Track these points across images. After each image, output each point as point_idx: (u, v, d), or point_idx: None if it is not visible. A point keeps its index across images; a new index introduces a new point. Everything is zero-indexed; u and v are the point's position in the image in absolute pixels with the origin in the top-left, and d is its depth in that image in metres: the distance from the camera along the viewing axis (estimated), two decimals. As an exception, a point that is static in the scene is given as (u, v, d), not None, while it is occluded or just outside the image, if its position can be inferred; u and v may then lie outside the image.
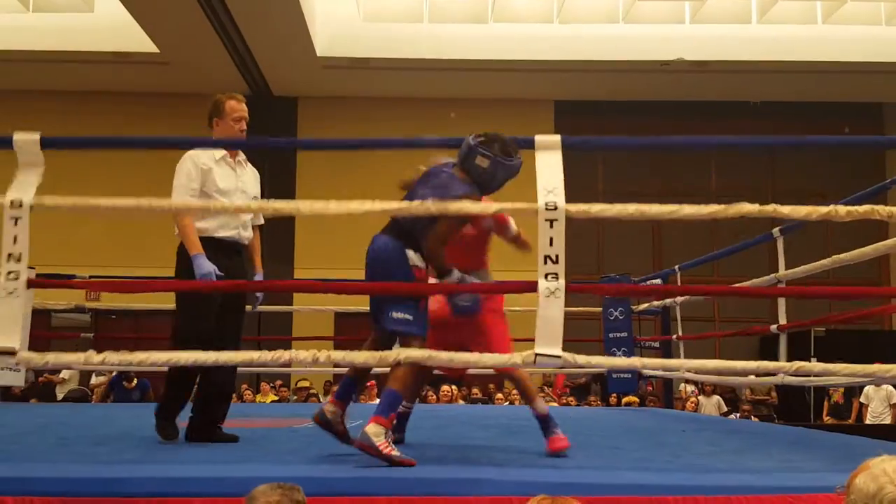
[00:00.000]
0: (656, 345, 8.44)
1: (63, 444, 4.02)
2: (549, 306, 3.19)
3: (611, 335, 7.96)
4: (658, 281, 8.22)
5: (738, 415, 11.05)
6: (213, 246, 4.04)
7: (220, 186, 4.09)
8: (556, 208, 3.25)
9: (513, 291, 3.61)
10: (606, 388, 11.04)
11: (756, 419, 10.46)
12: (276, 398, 11.04)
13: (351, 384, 3.72)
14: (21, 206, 3.29)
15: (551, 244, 3.23)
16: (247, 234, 4.25)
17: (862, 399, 10.56)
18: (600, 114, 14.52)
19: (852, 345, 11.90)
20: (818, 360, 6.48)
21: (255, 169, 4.39)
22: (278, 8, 11.35)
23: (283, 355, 3.25)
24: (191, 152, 4.13)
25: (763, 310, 14.34)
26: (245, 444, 4.06)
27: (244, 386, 11.53)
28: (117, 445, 4.00)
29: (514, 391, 11.10)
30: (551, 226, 3.24)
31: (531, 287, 3.22)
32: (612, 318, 8.05)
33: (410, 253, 3.51)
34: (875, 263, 14.33)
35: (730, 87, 14.43)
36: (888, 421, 9.99)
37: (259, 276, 4.36)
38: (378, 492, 2.85)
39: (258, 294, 4.46)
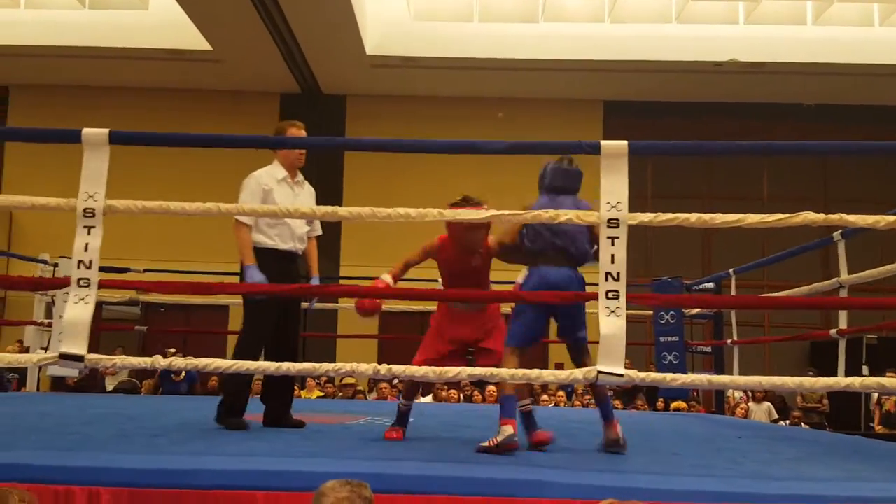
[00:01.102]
0: (708, 349, 8.33)
1: (123, 435, 4.07)
2: (611, 324, 3.17)
3: (661, 339, 7.88)
4: (711, 285, 8.11)
5: (788, 422, 10.90)
6: (273, 256, 4.51)
7: (279, 203, 4.42)
8: (618, 225, 3.20)
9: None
10: (655, 392, 10.95)
11: (807, 427, 10.30)
12: (322, 394, 11.09)
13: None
14: (94, 214, 3.32)
15: (613, 261, 3.19)
16: (301, 246, 4.70)
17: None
18: (650, 115, 14.39)
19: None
20: (870, 368, 6.42)
21: (311, 187, 4.83)
22: (329, 6, 11.41)
23: (343, 367, 3.30)
24: (255, 173, 4.56)
25: (814, 314, 14.15)
26: (303, 440, 4.09)
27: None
28: (177, 437, 4.05)
29: (561, 392, 11.05)
30: (613, 243, 3.20)
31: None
32: (662, 322, 7.97)
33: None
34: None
35: (783, 88, 14.21)
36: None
37: (315, 281, 4.86)
38: (440, 490, 2.86)
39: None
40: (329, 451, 3.67)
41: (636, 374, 3.27)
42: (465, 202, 3.97)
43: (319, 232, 4.86)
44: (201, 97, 14.60)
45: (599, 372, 3.20)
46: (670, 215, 3.37)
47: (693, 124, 14.00)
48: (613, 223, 3.20)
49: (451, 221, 3.96)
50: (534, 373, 3.38)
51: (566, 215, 3.30)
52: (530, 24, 13.43)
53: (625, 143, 3.30)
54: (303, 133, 4.63)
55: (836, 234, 5.55)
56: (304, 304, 5.06)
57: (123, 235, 13.23)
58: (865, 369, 6.36)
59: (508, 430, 3.65)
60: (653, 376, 3.47)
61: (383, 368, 3.27)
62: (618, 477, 3.18)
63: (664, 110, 14.60)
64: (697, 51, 13.38)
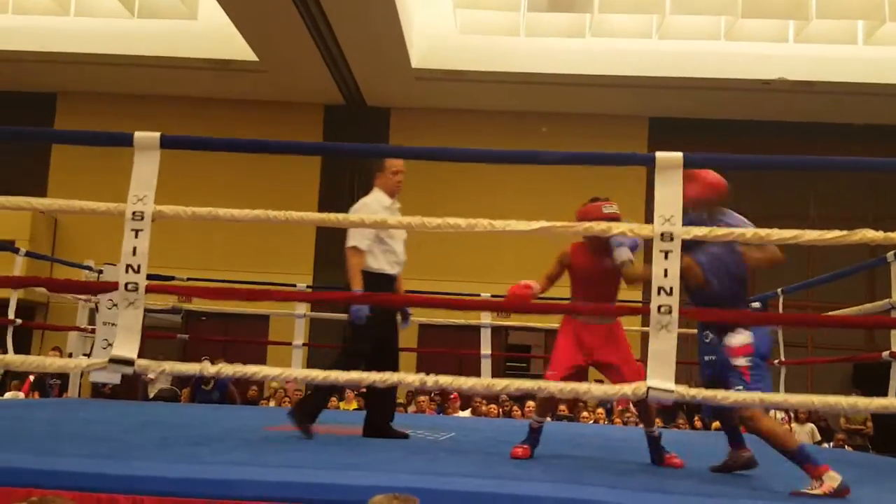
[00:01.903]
0: (752, 370, 8.15)
1: (166, 444, 4.06)
2: (662, 340, 3.13)
3: (706, 358, 7.73)
4: (758, 304, 7.96)
5: (832, 444, 10.67)
6: (383, 280, 4.75)
7: (389, 231, 4.73)
8: (672, 239, 3.15)
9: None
10: (696, 411, 10.79)
11: (850, 448, 10.08)
12: (357, 406, 11.05)
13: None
14: (143, 217, 3.31)
15: (666, 275, 3.14)
16: (401, 270, 4.96)
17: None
18: (695, 132, 14.22)
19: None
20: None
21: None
22: (376, 19, 11.44)
23: (391, 377, 3.27)
24: (367, 200, 4.83)
25: (857, 336, 13.87)
26: (347, 451, 4.05)
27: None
28: (218, 446, 4.03)
29: (601, 409, 10.92)
30: (666, 257, 3.15)
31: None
32: (707, 341, 7.82)
33: None
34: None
35: (832, 108, 13.98)
36: None
37: None
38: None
39: (409, 311, 5.18)
40: (373, 464, 3.62)
41: (687, 391, 3.20)
42: (594, 201, 4.17)
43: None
44: (246, 107, 14.68)
45: (649, 388, 3.14)
46: (726, 230, 3.32)
47: (739, 142, 13.79)
48: (667, 237, 3.14)
49: (584, 214, 4.12)
50: (582, 387, 3.33)
51: (619, 228, 3.24)
52: (577, 38, 13.35)
53: (680, 154, 3.23)
54: (401, 163, 4.89)
55: (890, 255, 5.42)
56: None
57: (165, 244, 13.43)
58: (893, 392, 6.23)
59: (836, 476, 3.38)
60: (704, 393, 3.37)
61: (429, 379, 3.21)
62: (674, 498, 3.11)
63: (710, 128, 14.43)
64: (745, 69, 13.21)
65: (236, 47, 12.89)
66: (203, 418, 5.93)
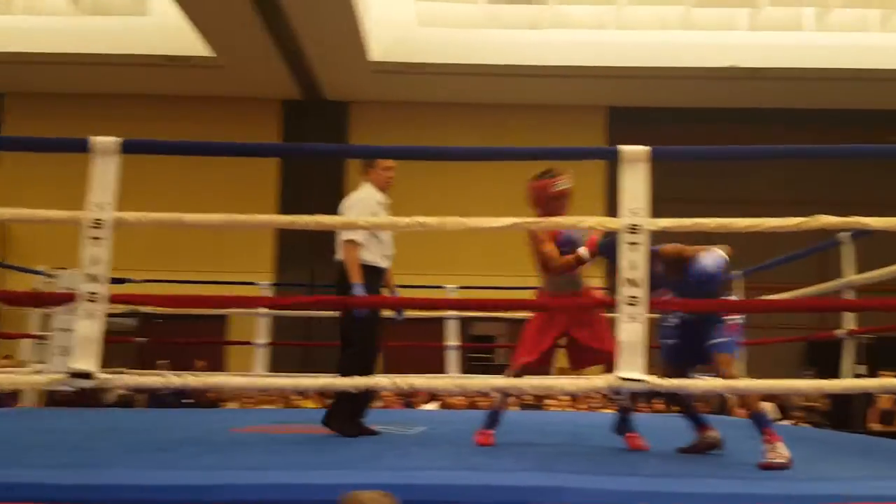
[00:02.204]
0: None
1: (133, 451, 3.99)
2: (631, 330, 3.16)
3: (669, 341, 7.82)
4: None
5: (790, 421, 10.83)
6: (374, 273, 4.76)
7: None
8: (639, 231, 3.18)
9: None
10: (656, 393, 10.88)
11: (808, 425, 10.25)
12: (316, 405, 10.87)
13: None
14: (101, 225, 3.24)
15: (633, 267, 3.17)
16: (390, 264, 4.97)
17: (915, 407, 10.33)
18: (653, 121, 14.34)
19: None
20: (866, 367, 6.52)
21: None
22: (334, 12, 11.35)
23: (366, 381, 3.23)
24: (361, 194, 4.86)
25: (812, 315, 14.20)
26: (317, 451, 4.03)
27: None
28: (187, 451, 3.96)
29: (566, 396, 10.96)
30: (633, 248, 3.18)
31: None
32: (665, 325, 7.92)
33: None
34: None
35: (783, 94, 14.21)
36: (946, 429, 9.75)
37: (397, 292, 5.14)
38: (465, 499, 2.83)
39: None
40: (347, 462, 3.60)
41: (656, 381, 3.25)
42: (546, 174, 4.22)
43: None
44: (202, 104, 14.49)
45: (621, 378, 3.16)
46: (691, 220, 3.37)
47: (694, 130, 13.93)
48: (635, 229, 3.17)
49: (534, 189, 4.20)
50: (556, 382, 3.35)
51: (588, 223, 3.26)
52: (536, 30, 13.39)
53: (646, 148, 3.28)
54: (392, 163, 4.90)
55: (844, 236, 5.55)
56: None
57: (116, 242, 13.13)
58: (863, 369, 6.46)
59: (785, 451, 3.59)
60: (674, 382, 3.50)
61: (403, 382, 3.21)
62: (641, 481, 3.15)
63: (667, 116, 14.55)
64: (699, 57, 13.36)
65: (190, 43, 12.72)
66: (165, 423, 5.85)
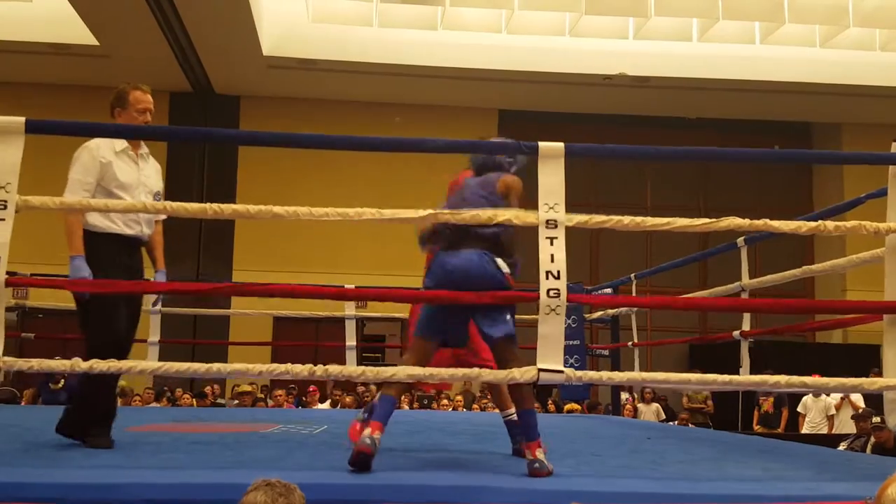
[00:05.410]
0: (606, 353, 8.50)
1: (29, 449, 3.82)
2: (551, 323, 3.20)
3: (565, 343, 7.99)
4: (609, 290, 8.28)
5: (676, 422, 11.22)
6: (117, 242, 3.86)
7: (120, 181, 3.86)
8: (556, 226, 3.24)
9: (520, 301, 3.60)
10: (546, 395, 11.17)
11: (693, 426, 10.63)
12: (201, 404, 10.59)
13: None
14: (5, 207, 3.11)
15: (552, 260, 3.23)
16: (149, 231, 4.03)
17: (800, 409, 10.83)
18: (544, 124, 14.63)
19: (779, 355, 12.21)
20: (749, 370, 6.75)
21: (157, 163, 4.15)
22: (225, 4, 11.16)
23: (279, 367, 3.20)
24: (90, 143, 3.87)
25: (692, 319, 14.87)
26: (224, 450, 3.95)
27: (179, 391, 11.26)
28: (88, 449, 3.81)
29: (459, 397, 11.10)
30: (552, 243, 3.23)
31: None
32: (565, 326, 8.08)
33: (500, 261, 3.47)
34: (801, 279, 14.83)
35: (667, 102, 14.73)
36: (825, 431, 10.26)
37: (162, 274, 4.09)
38: (377, 498, 2.81)
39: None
40: (257, 462, 3.55)
41: (573, 373, 3.30)
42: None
43: (164, 216, 4.08)
44: (88, 94, 13.91)
45: (540, 370, 3.20)
46: (605, 217, 3.43)
47: (584, 135, 14.28)
48: (552, 224, 3.23)
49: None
50: (473, 372, 3.37)
51: (504, 216, 3.30)
52: (429, 31, 13.46)
53: (562, 144, 3.33)
54: (148, 97, 3.95)
55: (740, 241, 5.76)
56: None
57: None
58: (745, 370, 6.64)
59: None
60: (590, 374, 3.62)
61: (319, 369, 3.18)
62: (551, 481, 3.19)
63: (557, 120, 14.92)
64: (589, 64, 13.70)
65: (75, 31, 12.30)
66: (51, 421, 5.61)
